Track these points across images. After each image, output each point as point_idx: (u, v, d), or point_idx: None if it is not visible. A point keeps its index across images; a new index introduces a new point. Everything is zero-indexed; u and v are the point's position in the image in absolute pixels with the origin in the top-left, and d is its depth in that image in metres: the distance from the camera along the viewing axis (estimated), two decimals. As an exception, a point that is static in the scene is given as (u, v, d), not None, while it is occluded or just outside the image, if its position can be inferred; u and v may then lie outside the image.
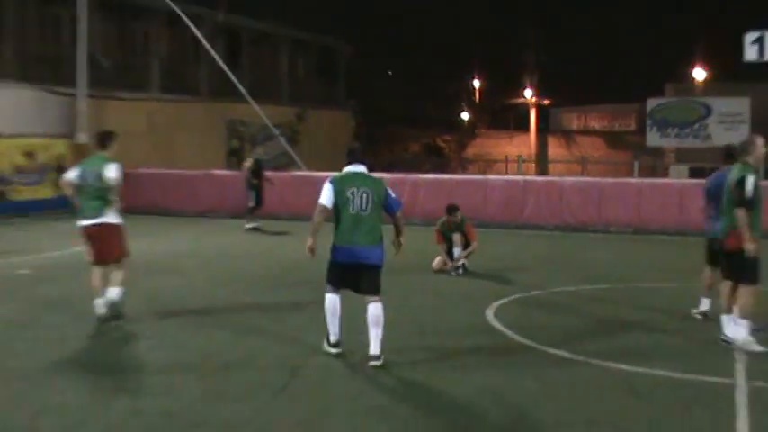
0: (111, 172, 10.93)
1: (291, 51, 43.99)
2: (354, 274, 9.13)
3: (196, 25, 29.93)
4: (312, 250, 9.13)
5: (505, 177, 29.31)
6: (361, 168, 9.41)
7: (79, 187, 11.12)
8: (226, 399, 7.92)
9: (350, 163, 9.48)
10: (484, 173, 43.49)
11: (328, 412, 7.53)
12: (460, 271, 14.88)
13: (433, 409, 7.69)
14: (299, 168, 30.05)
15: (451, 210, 15.25)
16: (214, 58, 30.48)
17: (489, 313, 11.55)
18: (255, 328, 10.78)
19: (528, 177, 32.45)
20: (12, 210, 24.89)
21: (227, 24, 37.66)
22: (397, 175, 25.86)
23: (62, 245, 17.84)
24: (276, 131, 32.83)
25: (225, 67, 29.93)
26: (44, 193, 26.63)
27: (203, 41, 30.32)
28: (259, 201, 22.09)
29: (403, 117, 58.03)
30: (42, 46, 30.87)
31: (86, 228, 11.09)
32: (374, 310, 8.97)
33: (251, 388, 8.26)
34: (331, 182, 9.25)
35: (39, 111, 28.13)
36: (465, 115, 63.54)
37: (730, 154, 10.69)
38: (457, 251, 14.96)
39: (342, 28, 46.70)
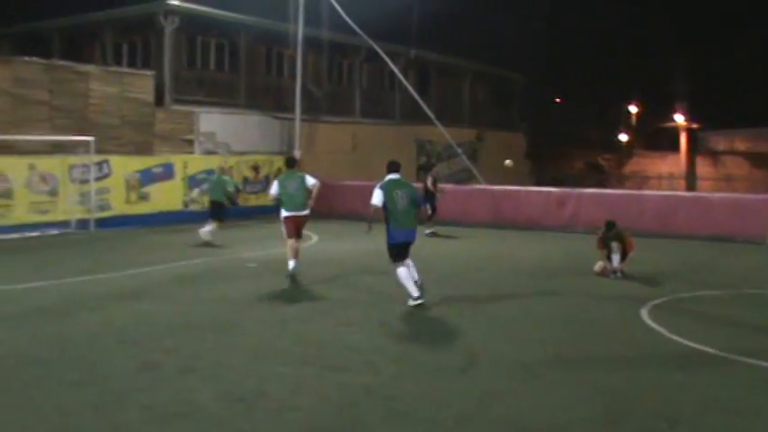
0: (312, 180, 14.30)
1: (472, 81, 44.04)
2: (406, 247, 11.72)
3: (391, 60, 30.44)
4: (369, 229, 11.99)
5: (659, 192, 28.46)
6: (398, 176, 11.91)
7: (280, 193, 14.13)
8: (414, 377, 8.13)
9: (390, 172, 11.96)
10: (640, 188, 42.49)
11: (500, 394, 7.64)
12: (618, 275, 14.65)
13: (590, 393, 7.70)
14: (479, 182, 30.09)
15: (610, 226, 15.06)
16: (406, 88, 30.89)
17: (643, 312, 11.40)
18: (439, 319, 10.96)
19: (679, 193, 31.59)
20: (241, 214, 25.84)
21: (418, 59, 38.06)
22: (563, 189, 25.49)
23: (281, 244, 18.45)
24: (459, 150, 33.04)
25: (415, 95, 30.25)
26: (266, 200, 27.58)
27: (397, 73, 30.81)
28: (434, 210, 22.21)
29: (568, 138, 57.31)
30: (267, 79, 32.07)
31: (295, 216, 14.10)
32: (412, 263, 11.85)
33: (436, 368, 8.46)
34: (380, 188, 11.72)
35: (263, 132, 29.40)
36: (623, 137, 62.23)
37: None
38: (615, 258, 14.72)
39: (516, 61, 46.50)
